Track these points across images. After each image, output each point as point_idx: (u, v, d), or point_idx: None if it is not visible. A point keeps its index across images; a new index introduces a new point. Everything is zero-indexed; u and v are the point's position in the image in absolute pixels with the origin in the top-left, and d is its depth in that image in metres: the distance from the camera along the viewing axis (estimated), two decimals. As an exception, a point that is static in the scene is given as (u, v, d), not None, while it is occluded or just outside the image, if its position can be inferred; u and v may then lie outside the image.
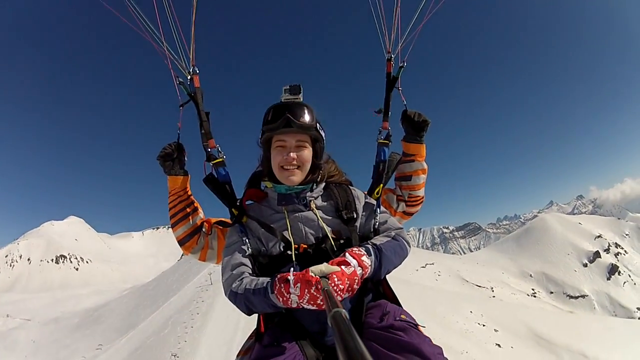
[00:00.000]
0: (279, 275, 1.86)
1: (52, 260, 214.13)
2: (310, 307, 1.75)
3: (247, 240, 2.27)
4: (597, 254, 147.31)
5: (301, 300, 1.74)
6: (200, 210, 2.86)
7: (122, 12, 2.72)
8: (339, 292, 1.74)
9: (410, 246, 2.31)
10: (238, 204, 2.46)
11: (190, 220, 2.78)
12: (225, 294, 2.17)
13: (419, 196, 2.95)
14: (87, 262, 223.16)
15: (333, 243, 2.16)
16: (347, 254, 1.93)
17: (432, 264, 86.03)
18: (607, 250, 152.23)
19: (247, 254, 2.23)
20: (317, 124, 2.29)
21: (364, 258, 1.94)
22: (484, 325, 34.60)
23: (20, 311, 73.47)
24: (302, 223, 2.24)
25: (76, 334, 48.85)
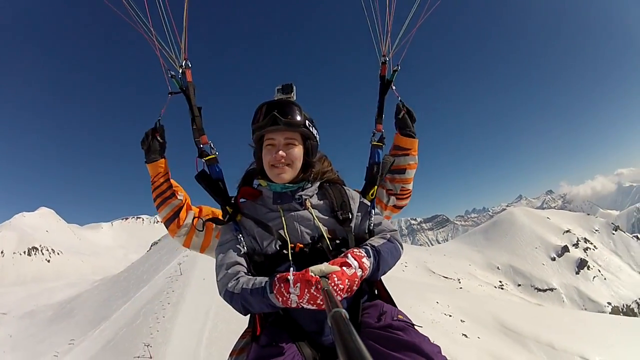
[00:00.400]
0: (278, 275, 1.86)
1: (24, 252, 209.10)
2: (310, 307, 1.75)
3: (242, 238, 2.26)
4: (565, 249, 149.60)
5: (301, 300, 1.74)
6: (179, 194, 2.85)
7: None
8: (339, 292, 1.74)
9: (403, 248, 2.34)
10: (232, 201, 2.44)
11: (168, 205, 2.79)
12: (220, 294, 2.15)
13: (408, 190, 2.99)
14: (58, 253, 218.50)
15: (329, 243, 2.16)
16: (349, 254, 1.93)
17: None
18: (575, 245, 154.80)
19: (242, 252, 2.22)
20: (307, 122, 2.28)
21: (364, 260, 1.94)
22: (450, 316, 35.42)
23: (-2, 305, 73.40)
24: (298, 222, 2.24)
25: (51, 327, 48.72)
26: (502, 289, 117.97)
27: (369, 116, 2.90)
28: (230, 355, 2.18)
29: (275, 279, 1.84)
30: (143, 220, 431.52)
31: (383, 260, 2.06)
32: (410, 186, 2.98)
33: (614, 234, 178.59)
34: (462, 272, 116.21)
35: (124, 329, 32.17)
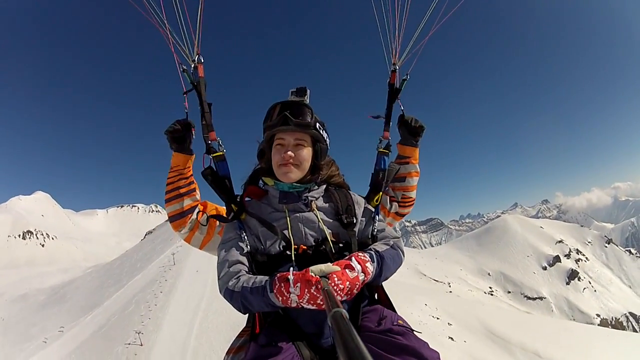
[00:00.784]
0: (278, 274, 1.85)
1: (19, 236, 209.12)
2: (310, 307, 1.74)
3: (245, 237, 2.24)
4: (557, 259, 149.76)
5: (301, 300, 1.73)
6: (197, 192, 2.80)
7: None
8: (339, 292, 1.73)
9: (404, 255, 2.33)
10: (238, 200, 2.43)
11: (185, 200, 2.72)
12: (221, 292, 2.12)
13: (411, 198, 2.99)
14: (52, 238, 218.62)
15: (332, 246, 2.15)
16: (353, 258, 1.92)
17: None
18: (567, 256, 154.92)
19: (244, 251, 2.20)
20: (317, 124, 2.29)
21: (368, 264, 1.94)
22: (438, 319, 35.77)
23: (-11, 287, 73.23)
24: (302, 224, 2.23)
25: (43, 311, 48.86)
26: (491, 295, 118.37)
27: (376, 123, 2.88)
28: (228, 353, 2.18)
29: (276, 278, 1.84)
30: (138, 208, 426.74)
31: (386, 266, 2.07)
32: (412, 194, 2.99)
33: (606, 246, 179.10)
34: (452, 276, 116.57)
35: (115, 316, 32.41)
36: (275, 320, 2.12)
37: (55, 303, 51.75)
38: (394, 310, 2.25)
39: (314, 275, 1.72)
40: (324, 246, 2.14)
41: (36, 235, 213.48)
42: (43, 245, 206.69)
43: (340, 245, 2.19)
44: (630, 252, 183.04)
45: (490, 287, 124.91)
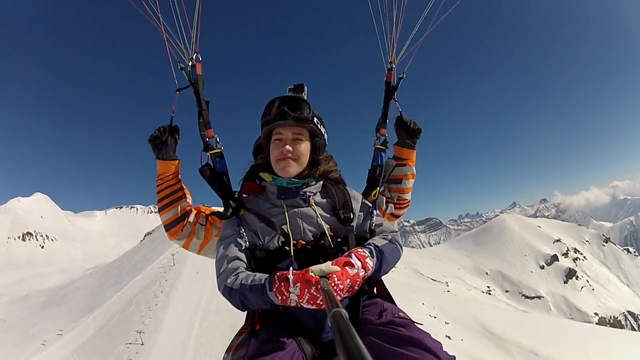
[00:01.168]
0: (278, 274, 1.84)
1: (19, 237, 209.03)
2: (309, 306, 1.74)
3: (243, 233, 2.24)
4: (554, 258, 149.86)
5: (301, 300, 1.73)
6: (188, 197, 2.81)
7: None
8: (339, 292, 1.73)
9: (402, 250, 2.34)
10: (236, 196, 2.43)
11: (178, 207, 2.72)
12: (219, 289, 2.10)
13: (406, 199, 3.01)
14: (52, 240, 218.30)
15: (331, 241, 2.15)
16: (352, 254, 1.92)
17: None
18: (565, 255, 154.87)
19: (243, 247, 2.19)
20: (315, 119, 2.29)
21: (368, 260, 1.93)
22: (435, 317, 35.91)
23: (-11, 288, 73.26)
24: (301, 219, 2.22)
25: (43, 312, 48.92)
26: (489, 294, 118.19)
27: (372, 120, 2.93)
28: (227, 351, 2.16)
29: (275, 277, 1.82)
30: (137, 210, 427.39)
31: (385, 260, 2.07)
32: (407, 196, 3.01)
33: (604, 245, 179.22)
34: (450, 275, 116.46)
35: (116, 316, 32.63)
36: (275, 317, 2.12)
37: (55, 304, 51.83)
38: (393, 302, 2.27)
39: (313, 276, 1.72)
40: (322, 241, 2.14)
41: (35, 236, 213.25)
42: (42, 247, 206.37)
43: (339, 240, 2.19)
44: (628, 250, 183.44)
45: (488, 286, 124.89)
